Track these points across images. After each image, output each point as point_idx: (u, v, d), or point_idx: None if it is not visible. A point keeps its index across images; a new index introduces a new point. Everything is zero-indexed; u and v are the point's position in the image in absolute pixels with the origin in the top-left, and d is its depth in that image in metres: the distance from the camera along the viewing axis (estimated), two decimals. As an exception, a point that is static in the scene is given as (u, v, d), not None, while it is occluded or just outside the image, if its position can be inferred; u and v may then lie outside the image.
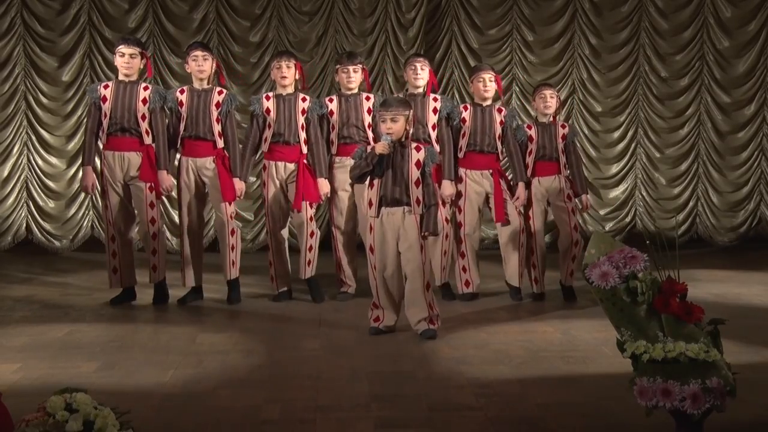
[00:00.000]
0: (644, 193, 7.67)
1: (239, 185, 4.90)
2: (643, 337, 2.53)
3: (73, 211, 7.26)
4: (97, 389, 2.90)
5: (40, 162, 7.23)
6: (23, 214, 7.26)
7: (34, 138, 7.21)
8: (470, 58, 7.38)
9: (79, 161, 7.20)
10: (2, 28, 7.09)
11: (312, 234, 4.98)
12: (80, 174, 7.18)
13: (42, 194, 7.25)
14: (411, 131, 4.14)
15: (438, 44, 7.42)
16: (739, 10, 7.52)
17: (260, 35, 7.26)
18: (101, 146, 4.88)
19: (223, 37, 7.24)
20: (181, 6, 7.19)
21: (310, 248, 4.99)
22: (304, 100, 4.96)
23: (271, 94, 4.99)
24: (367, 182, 4.13)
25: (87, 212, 7.27)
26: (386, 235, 4.05)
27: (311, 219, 4.97)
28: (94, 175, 4.87)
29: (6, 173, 7.20)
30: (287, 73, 4.90)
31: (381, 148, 4.00)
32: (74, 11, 7.13)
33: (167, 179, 4.83)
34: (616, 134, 7.63)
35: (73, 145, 7.25)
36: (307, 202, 4.92)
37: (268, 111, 4.92)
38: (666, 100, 7.60)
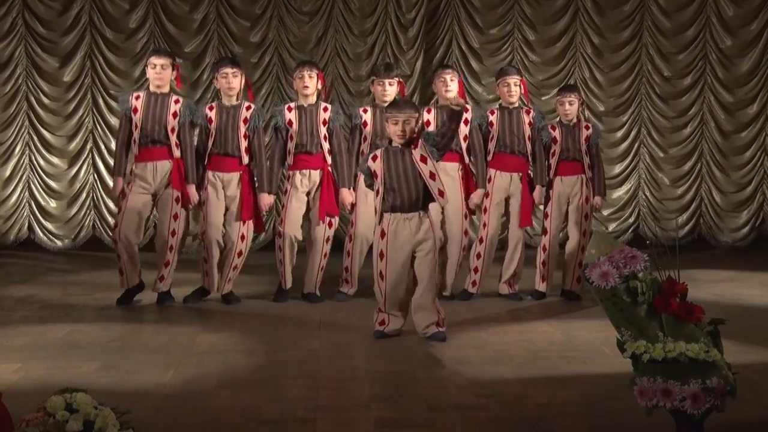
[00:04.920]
0: (647, 194, 7.65)
1: (268, 199, 4.89)
2: (643, 337, 2.52)
3: (74, 210, 7.27)
4: (98, 389, 2.89)
5: (41, 162, 7.24)
6: (25, 214, 7.27)
7: (35, 138, 7.22)
8: (471, 58, 7.38)
9: (80, 161, 7.27)
10: (3, 29, 7.10)
11: (326, 255, 4.96)
12: (81, 173, 7.29)
13: (44, 194, 7.26)
14: (418, 132, 4.03)
15: (438, 44, 7.41)
16: (742, 9, 7.50)
17: (260, 35, 7.26)
18: (133, 156, 4.82)
19: (223, 38, 7.25)
20: (182, 6, 7.20)
21: (322, 268, 4.98)
22: (325, 110, 4.92)
23: (293, 104, 4.96)
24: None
25: (89, 212, 7.28)
26: (399, 242, 3.97)
27: (327, 240, 4.94)
28: (125, 184, 4.81)
29: (8, 173, 7.21)
30: (309, 83, 4.86)
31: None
32: (75, 12, 7.14)
33: (194, 194, 4.80)
34: (619, 134, 7.62)
35: (74, 145, 7.26)
36: (327, 222, 4.89)
37: (290, 123, 4.89)
38: (669, 99, 7.58)
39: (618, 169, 7.62)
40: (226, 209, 4.88)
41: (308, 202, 4.96)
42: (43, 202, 7.26)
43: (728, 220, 7.67)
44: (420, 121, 4.07)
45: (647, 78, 7.55)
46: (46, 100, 7.20)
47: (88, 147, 7.23)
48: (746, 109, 7.62)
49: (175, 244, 4.85)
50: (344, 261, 5.08)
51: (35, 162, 7.23)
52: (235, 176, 4.84)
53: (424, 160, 3.97)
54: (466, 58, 7.38)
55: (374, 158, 4.06)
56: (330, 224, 4.94)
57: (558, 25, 7.46)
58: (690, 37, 7.53)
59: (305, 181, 4.91)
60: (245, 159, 4.84)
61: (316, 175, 4.90)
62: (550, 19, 7.45)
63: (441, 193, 3.99)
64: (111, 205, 7.22)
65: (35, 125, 7.21)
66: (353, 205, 4.97)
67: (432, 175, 3.96)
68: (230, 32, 7.24)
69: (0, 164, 7.20)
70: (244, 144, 4.82)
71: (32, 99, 7.19)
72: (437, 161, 4.00)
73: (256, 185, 4.90)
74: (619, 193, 7.64)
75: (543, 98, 7.24)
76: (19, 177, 7.24)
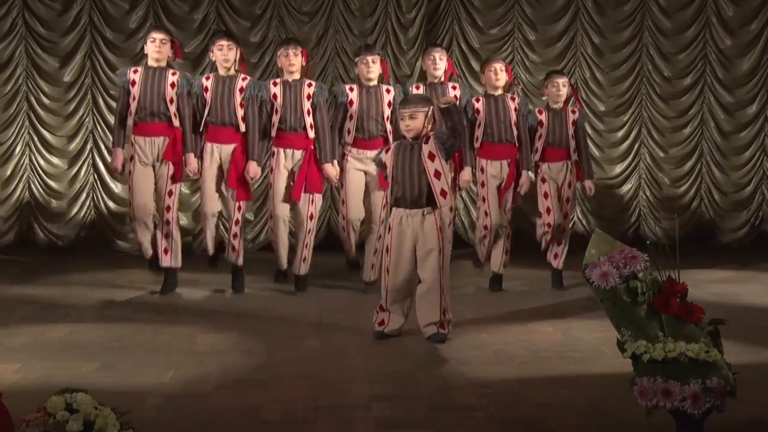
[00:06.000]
0: (648, 194, 7.65)
1: (254, 167, 4.97)
2: (643, 337, 2.52)
3: (74, 211, 7.27)
4: (98, 389, 2.88)
5: (42, 162, 7.24)
6: (25, 214, 7.27)
7: (36, 138, 7.22)
8: (471, 58, 7.38)
9: (80, 161, 7.26)
10: (4, 29, 7.10)
11: (309, 231, 5.04)
12: (81, 174, 7.29)
13: (44, 194, 7.26)
14: (430, 126, 3.99)
15: (438, 44, 7.40)
16: (741, 9, 7.50)
17: (260, 35, 7.26)
18: (129, 130, 4.97)
19: (224, 38, 7.24)
20: (182, 6, 7.20)
21: (306, 245, 5.06)
22: (309, 85, 5.02)
23: (278, 80, 5.06)
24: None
25: (89, 212, 7.28)
26: (404, 238, 3.97)
27: (311, 217, 5.01)
28: (123, 157, 4.97)
29: (8, 173, 7.21)
30: (294, 60, 4.97)
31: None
32: (75, 12, 7.14)
33: (194, 162, 4.94)
34: (620, 134, 7.62)
35: (74, 145, 7.26)
36: (310, 199, 4.96)
37: (275, 96, 4.97)
38: (669, 99, 7.58)
39: (618, 169, 7.62)
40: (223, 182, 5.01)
41: (291, 180, 5.04)
42: (43, 202, 7.26)
43: (728, 220, 7.67)
44: (430, 115, 4.02)
45: (647, 78, 7.55)
46: (46, 100, 7.20)
47: (88, 147, 7.23)
48: (746, 109, 7.62)
49: (171, 219, 4.99)
50: (345, 243, 5.21)
51: (35, 162, 7.23)
52: (232, 146, 4.94)
53: (432, 157, 3.94)
54: (466, 58, 7.38)
55: (387, 150, 4.12)
56: (312, 201, 5.01)
57: (558, 25, 7.46)
58: (690, 37, 7.53)
59: (289, 159, 4.99)
60: (242, 127, 4.94)
61: (299, 154, 4.99)
62: (550, 19, 7.45)
63: (443, 193, 3.96)
64: (111, 205, 7.23)
65: (35, 125, 7.21)
66: (341, 182, 5.08)
67: (437, 174, 3.94)
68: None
69: (0, 164, 7.20)
70: (240, 113, 4.93)
71: (32, 99, 7.19)
72: (446, 160, 3.97)
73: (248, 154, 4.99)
74: (620, 193, 7.64)
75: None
76: (19, 177, 7.24)
